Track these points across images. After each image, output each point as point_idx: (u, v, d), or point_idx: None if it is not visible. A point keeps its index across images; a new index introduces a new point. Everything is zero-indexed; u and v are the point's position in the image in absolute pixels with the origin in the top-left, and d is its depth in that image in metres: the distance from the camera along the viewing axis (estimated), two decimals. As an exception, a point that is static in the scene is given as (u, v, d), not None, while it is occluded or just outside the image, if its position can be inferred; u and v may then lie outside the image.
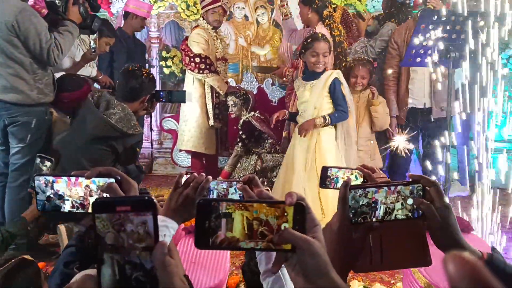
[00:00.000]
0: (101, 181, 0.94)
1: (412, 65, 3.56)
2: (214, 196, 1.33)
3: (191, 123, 4.28)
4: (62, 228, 3.11)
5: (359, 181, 1.38)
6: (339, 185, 1.40)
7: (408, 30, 3.67)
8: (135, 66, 3.05)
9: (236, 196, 1.31)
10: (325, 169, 1.41)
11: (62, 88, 3.21)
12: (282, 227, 0.66)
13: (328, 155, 3.31)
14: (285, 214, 0.66)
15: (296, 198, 0.67)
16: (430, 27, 3.05)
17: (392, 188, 0.82)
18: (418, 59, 3.27)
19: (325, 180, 1.39)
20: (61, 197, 0.97)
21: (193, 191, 1.26)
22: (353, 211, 0.80)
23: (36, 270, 1.95)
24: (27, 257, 1.82)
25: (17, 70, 2.95)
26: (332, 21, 3.71)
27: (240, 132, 4.13)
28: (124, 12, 4.76)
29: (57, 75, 3.34)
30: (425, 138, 3.88)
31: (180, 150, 4.72)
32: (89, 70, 3.90)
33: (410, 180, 0.84)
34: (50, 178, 0.97)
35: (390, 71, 3.78)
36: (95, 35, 3.54)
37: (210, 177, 1.30)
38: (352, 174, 1.40)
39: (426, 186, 0.84)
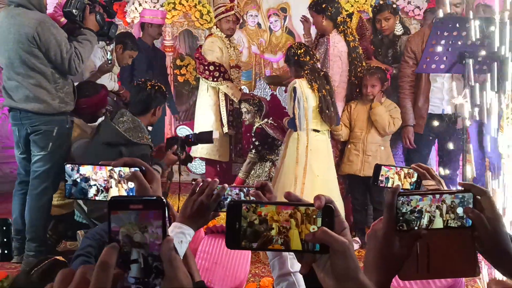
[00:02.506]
0: (127, 170, 0.96)
1: (426, 71, 3.55)
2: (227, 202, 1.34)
3: (205, 130, 4.32)
4: (81, 234, 3.15)
5: (408, 182, 1.39)
6: (389, 184, 1.42)
7: (424, 38, 3.64)
8: (139, 80, 3.22)
9: None
10: (377, 167, 1.42)
11: (80, 94, 3.27)
12: (311, 229, 0.67)
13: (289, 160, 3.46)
14: (314, 216, 0.67)
15: (325, 201, 0.68)
16: (445, 33, 3.05)
17: (438, 196, 0.81)
18: (433, 66, 3.27)
19: (377, 178, 1.41)
20: (87, 180, 0.99)
21: (207, 198, 1.27)
22: (399, 217, 0.80)
23: None
24: (60, 258, 1.89)
25: (39, 80, 3.00)
26: (346, 27, 3.71)
27: (254, 139, 4.14)
28: (140, 24, 4.91)
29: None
30: (441, 145, 3.84)
31: (195, 158, 4.75)
32: (112, 84, 3.96)
33: (461, 188, 0.83)
34: (77, 164, 1.00)
35: (407, 80, 3.77)
36: (112, 46, 3.58)
37: (226, 185, 1.31)
38: (399, 174, 1.40)
39: (477, 195, 0.82)
